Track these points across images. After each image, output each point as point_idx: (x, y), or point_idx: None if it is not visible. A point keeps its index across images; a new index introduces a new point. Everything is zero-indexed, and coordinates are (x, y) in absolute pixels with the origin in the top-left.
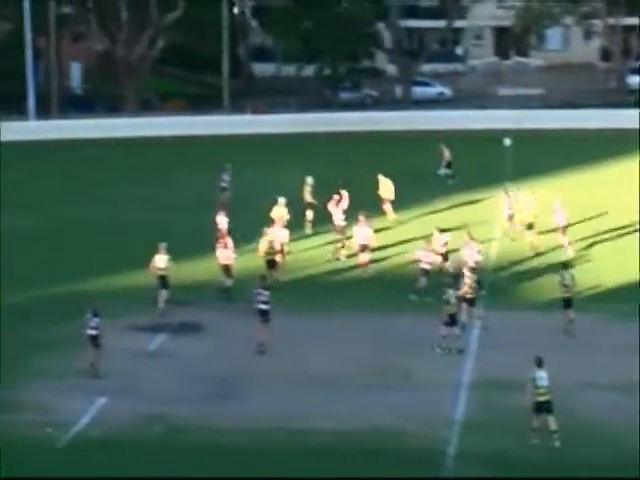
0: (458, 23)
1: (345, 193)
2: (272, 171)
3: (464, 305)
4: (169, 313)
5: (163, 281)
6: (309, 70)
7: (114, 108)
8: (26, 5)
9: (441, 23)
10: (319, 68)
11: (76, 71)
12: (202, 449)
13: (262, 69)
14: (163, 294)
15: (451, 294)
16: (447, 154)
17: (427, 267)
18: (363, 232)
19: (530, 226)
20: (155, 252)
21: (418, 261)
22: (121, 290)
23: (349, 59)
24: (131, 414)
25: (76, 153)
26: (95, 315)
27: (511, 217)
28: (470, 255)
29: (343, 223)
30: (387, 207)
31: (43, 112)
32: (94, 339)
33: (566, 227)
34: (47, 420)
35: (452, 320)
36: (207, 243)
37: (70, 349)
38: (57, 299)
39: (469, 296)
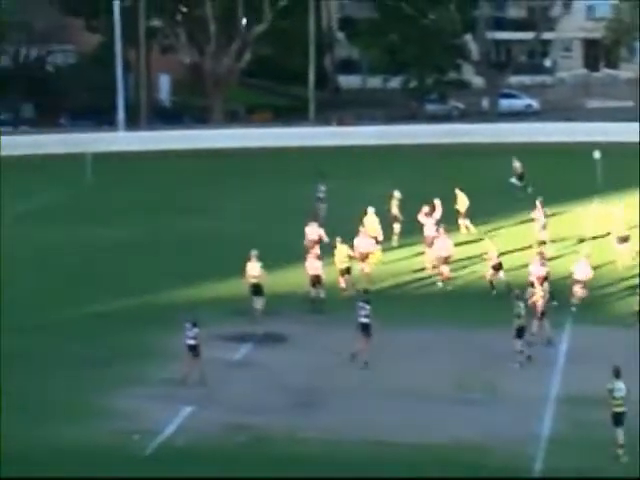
0: (546, 35)
1: (438, 204)
2: (357, 183)
3: (536, 318)
4: (255, 323)
5: (256, 289)
6: (395, 82)
7: (201, 120)
8: (116, 18)
9: (529, 35)
10: (405, 80)
11: (164, 83)
12: (285, 459)
13: (348, 81)
14: (257, 302)
15: (521, 307)
16: (518, 166)
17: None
18: (444, 244)
19: (623, 239)
20: (247, 261)
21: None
22: (208, 300)
23: (436, 71)
24: (216, 423)
25: (164, 164)
26: (194, 325)
27: (602, 231)
28: (538, 268)
29: (434, 234)
30: (463, 221)
31: (132, 123)
32: (193, 349)
33: None
34: (134, 428)
35: (520, 333)
36: (293, 253)
37: (158, 358)
38: (145, 308)
39: (540, 309)
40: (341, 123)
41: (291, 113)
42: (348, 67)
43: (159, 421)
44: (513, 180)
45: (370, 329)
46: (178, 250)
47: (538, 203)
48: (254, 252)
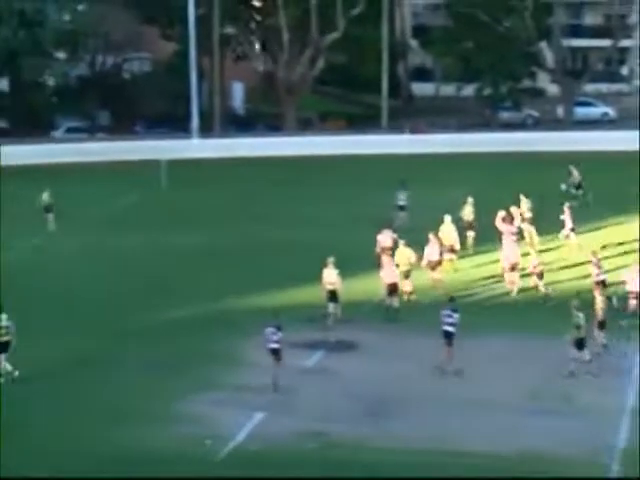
0: (624, 42)
1: (516, 211)
2: (431, 191)
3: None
4: (329, 329)
5: (333, 295)
6: (469, 90)
7: (274, 127)
8: (191, 26)
9: (606, 42)
10: (479, 88)
11: (238, 91)
12: (356, 467)
13: (421, 89)
14: (333, 308)
15: (581, 317)
16: (576, 174)
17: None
18: (511, 251)
19: None
20: (323, 267)
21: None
22: (280, 307)
23: (510, 79)
24: (287, 430)
25: (237, 171)
26: (278, 329)
27: None
28: (598, 276)
29: (512, 243)
30: (528, 227)
31: (206, 131)
32: (276, 352)
33: None
34: (206, 433)
35: (580, 344)
36: (365, 261)
37: (231, 364)
38: (218, 315)
39: (600, 319)
40: (414, 131)
41: (364, 121)
42: (421, 75)
43: (231, 427)
44: (566, 187)
45: (453, 337)
46: (251, 257)
47: (566, 208)
48: (331, 259)
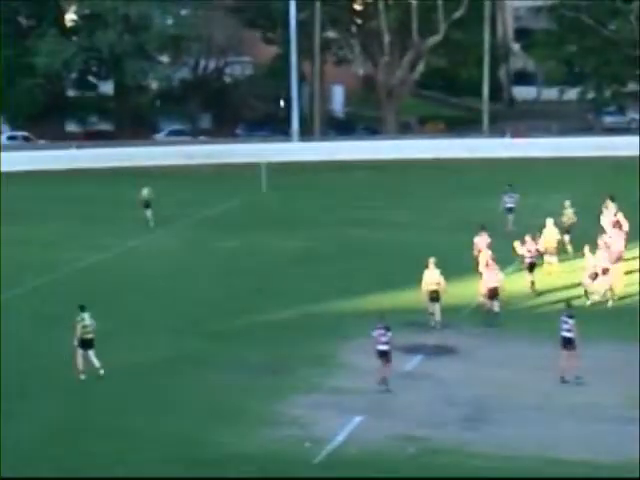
0: None
1: (622, 217)
2: (532, 195)
3: None
4: (432, 331)
5: (435, 295)
6: (571, 94)
7: (374, 131)
8: (292, 30)
9: None
10: (582, 92)
11: (338, 94)
12: (455, 473)
13: (523, 92)
14: (435, 308)
15: None
16: None
17: None
18: (604, 257)
19: None
20: (425, 268)
21: None
22: (379, 311)
23: (614, 82)
24: (386, 434)
25: (337, 174)
26: (388, 330)
27: None
28: None
29: (621, 249)
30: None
31: (306, 134)
32: (385, 354)
33: None
34: (305, 435)
35: None
36: (463, 265)
37: (329, 367)
38: (317, 318)
39: None
40: (515, 135)
41: (464, 125)
42: (523, 78)
43: (330, 429)
44: None
45: (573, 342)
46: (350, 260)
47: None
48: (432, 259)
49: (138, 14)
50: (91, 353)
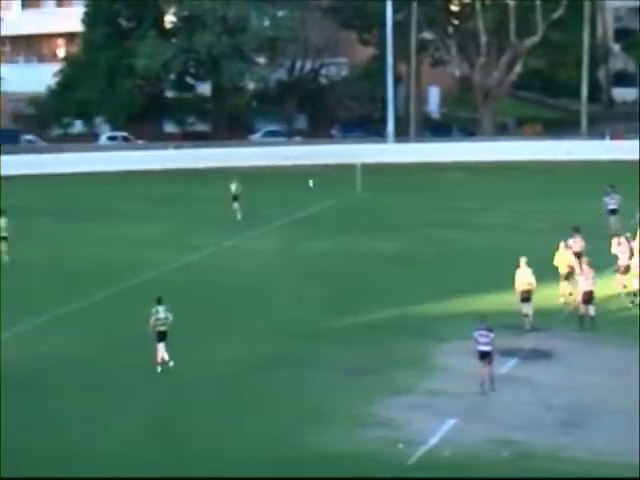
0: None
1: None
2: (631, 198)
3: None
4: (525, 331)
5: (527, 295)
6: None
7: (470, 132)
8: (389, 31)
9: None
10: None
11: (434, 96)
12: (550, 477)
13: (622, 94)
14: (527, 308)
15: None
16: None
17: None
18: None
19: None
20: (516, 268)
21: None
22: (472, 312)
23: None
24: (480, 437)
25: (433, 176)
26: (490, 330)
27: None
28: None
29: None
30: None
31: (401, 135)
32: (487, 355)
33: None
34: (398, 437)
35: None
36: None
37: (421, 368)
38: (409, 319)
39: None
40: (614, 137)
41: (562, 126)
42: (623, 79)
43: (423, 432)
44: None
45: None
46: (444, 263)
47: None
48: (523, 259)
49: (236, 16)
50: (162, 346)
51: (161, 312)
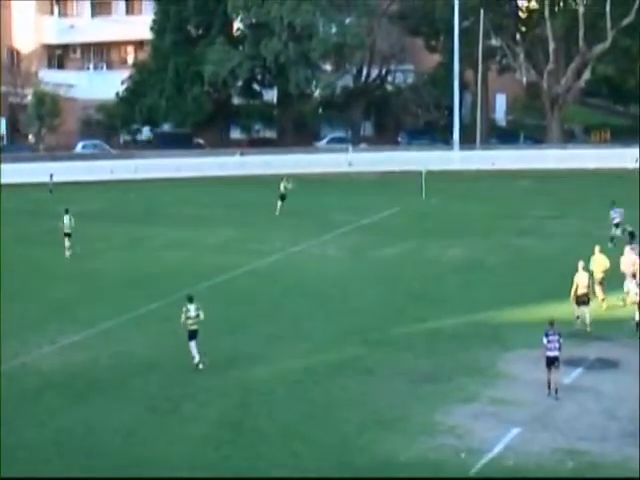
0: None
1: None
2: None
3: None
4: (586, 347)
5: (585, 298)
6: None
7: (538, 139)
8: (456, 38)
9: None
10: None
11: (501, 102)
12: None
13: None
14: (584, 311)
15: None
16: None
17: None
18: None
19: None
20: (574, 271)
21: None
22: (539, 321)
23: None
24: (544, 446)
25: (499, 183)
26: (560, 336)
27: None
28: None
29: None
30: None
31: (467, 142)
32: (555, 360)
33: None
34: (461, 445)
35: None
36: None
37: (487, 376)
38: (476, 327)
39: None
40: None
41: (631, 133)
42: None
43: (487, 440)
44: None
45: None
46: (512, 270)
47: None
48: (581, 263)
49: (302, 23)
50: (193, 344)
51: (192, 310)
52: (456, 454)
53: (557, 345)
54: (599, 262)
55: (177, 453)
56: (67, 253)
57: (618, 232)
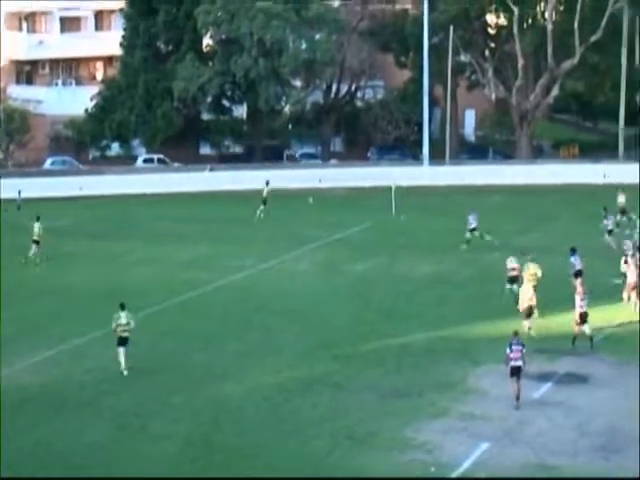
0: None
1: None
2: None
3: None
4: (555, 362)
5: (584, 317)
6: None
7: (507, 155)
8: (425, 54)
9: None
10: None
11: (470, 118)
12: None
13: None
14: (585, 328)
15: None
16: (622, 201)
17: None
18: None
19: None
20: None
21: None
22: (506, 336)
23: None
24: (514, 461)
25: (468, 199)
26: (523, 346)
27: None
28: None
29: None
30: None
31: (437, 158)
32: (519, 370)
33: None
34: (431, 460)
35: None
36: (597, 292)
37: (456, 391)
38: (450, 342)
39: None
40: None
41: (599, 149)
42: None
43: (457, 455)
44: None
45: None
46: (481, 285)
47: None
48: (526, 275)
49: (273, 38)
50: (122, 350)
51: (123, 318)
52: (427, 469)
53: (520, 355)
54: (531, 271)
55: (147, 470)
56: (34, 259)
57: (470, 236)
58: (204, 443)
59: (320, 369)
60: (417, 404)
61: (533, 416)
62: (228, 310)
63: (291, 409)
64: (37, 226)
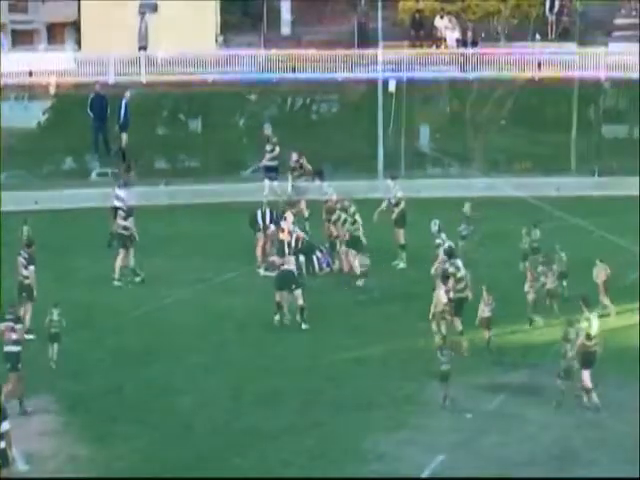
0: None
1: None
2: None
3: None
4: (508, 374)
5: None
6: None
7: (461, 168)
8: (379, 68)
9: None
10: None
11: (425, 132)
12: None
13: (613, 131)
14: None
15: None
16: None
17: None
18: None
19: None
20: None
21: None
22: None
23: None
24: (471, 473)
25: (423, 212)
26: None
27: None
28: None
29: None
30: None
31: (391, 171)
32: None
33: None
34: (388, 472)
35: None
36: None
37: (413, 404)
38: (405, 353)
39: None
40: (602, 174)
41: (552, 162)
42: (613, 116)
43: (413, 467)
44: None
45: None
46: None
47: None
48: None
49: None
50: (55, 346)
51: (55, 314)
52: None
53: (447, 359)
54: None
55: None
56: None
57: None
58: (159, 460)
59: (275, 383)
60: (373, 416)
61: (487, 428)
62: (183, 324)
63: (246, 422)
64: (26, 229)
